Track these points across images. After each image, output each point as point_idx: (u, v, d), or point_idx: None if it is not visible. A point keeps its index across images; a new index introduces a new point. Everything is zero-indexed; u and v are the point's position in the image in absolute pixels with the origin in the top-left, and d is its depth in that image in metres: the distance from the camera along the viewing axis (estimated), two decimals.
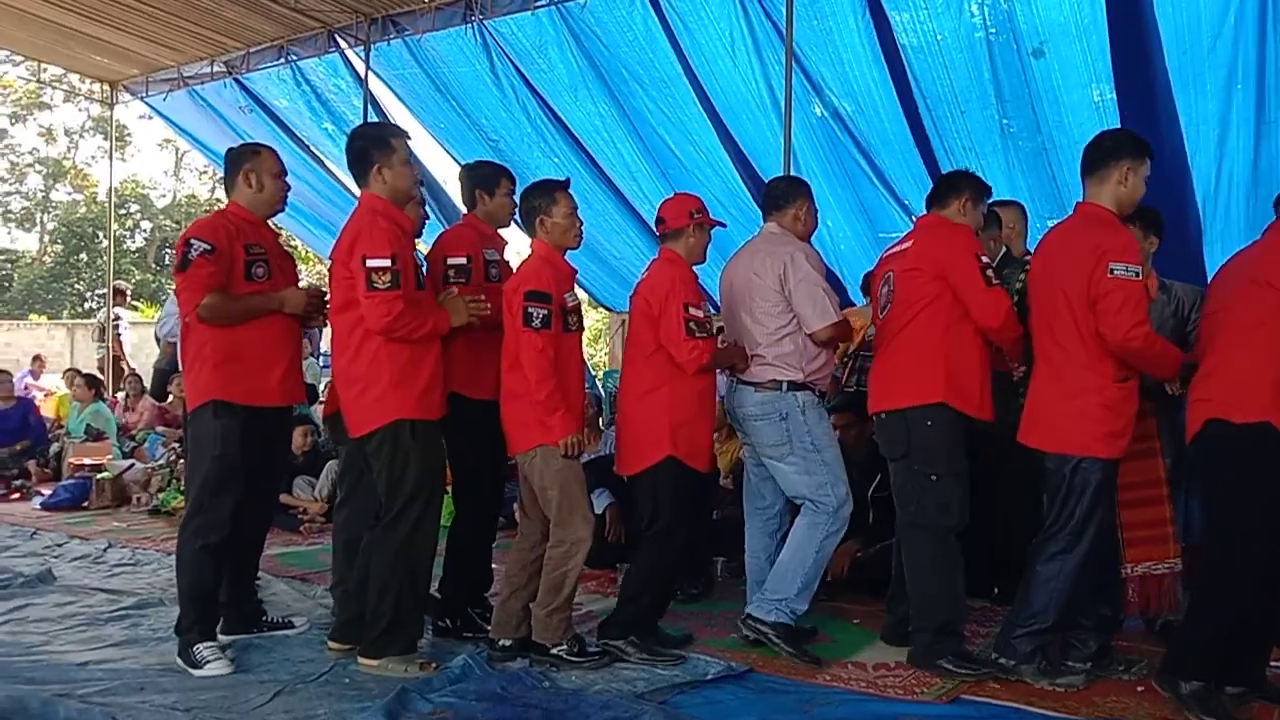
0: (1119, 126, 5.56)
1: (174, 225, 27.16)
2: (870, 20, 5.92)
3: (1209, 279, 5.77)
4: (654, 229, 4.08)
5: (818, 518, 3.64)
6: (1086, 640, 3.37)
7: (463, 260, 3.72)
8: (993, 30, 5.72)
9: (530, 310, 3.41)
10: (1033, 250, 4.50)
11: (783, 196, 3.90)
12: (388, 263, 3.27)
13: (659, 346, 3.61)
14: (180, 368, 3.93)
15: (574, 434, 3.48)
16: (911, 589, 3.55)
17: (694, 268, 3.76)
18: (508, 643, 3.59)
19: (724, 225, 3.88)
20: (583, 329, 3.77)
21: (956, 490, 3.49)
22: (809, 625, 3.81)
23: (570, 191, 3.67)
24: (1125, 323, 3.07)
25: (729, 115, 6.87)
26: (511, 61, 7.43)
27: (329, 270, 3.61)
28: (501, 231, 4.01)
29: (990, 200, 3.87)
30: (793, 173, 6.16)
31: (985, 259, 3.52)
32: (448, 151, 8.49)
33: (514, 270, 3.77)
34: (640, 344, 3.66)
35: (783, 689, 3.31)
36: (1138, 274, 3.09)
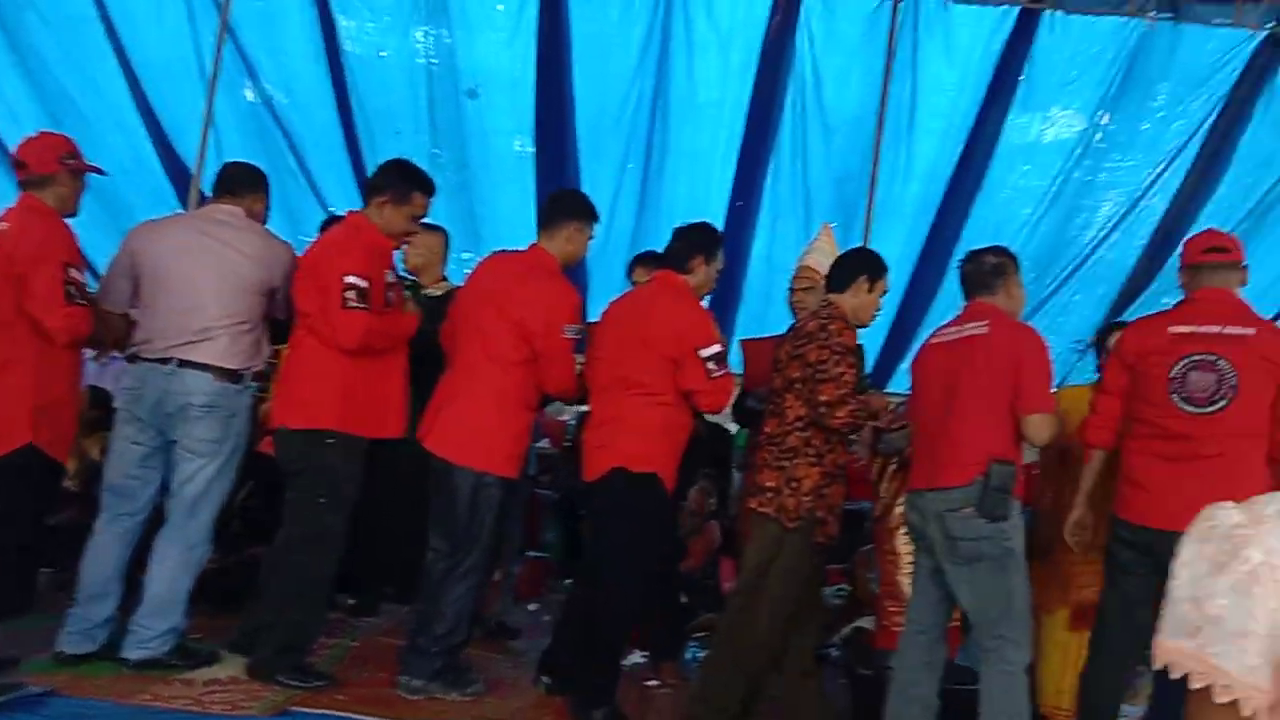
0: (535, 180, 6.12)
1: None
2: (316, 16, 5.74)
3: None
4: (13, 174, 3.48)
5: (187, 545, 3.40)
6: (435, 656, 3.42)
7: None
8: (434, 60, 5.88)
9: None
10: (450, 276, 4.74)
11: (248, 183, 3.68)
12: None
13: (20, 314, 3.08)
14: None
15: None
16: (274, 602, 3.40)
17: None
18: None
19: (101, 172, 3.49)
20: None
21: (340, 515, 3.45)
22: None
23: None
24: (569, 375, 3.50)
25: (147, 76, 6.13)
26: None
27: None
28: None
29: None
30: (213, 154, 5.74)
31: (354, 279, 3.30)
32: None
33: None
34: None
35: (91, 713, 2.93)
36: (578, 331, 3.53)
